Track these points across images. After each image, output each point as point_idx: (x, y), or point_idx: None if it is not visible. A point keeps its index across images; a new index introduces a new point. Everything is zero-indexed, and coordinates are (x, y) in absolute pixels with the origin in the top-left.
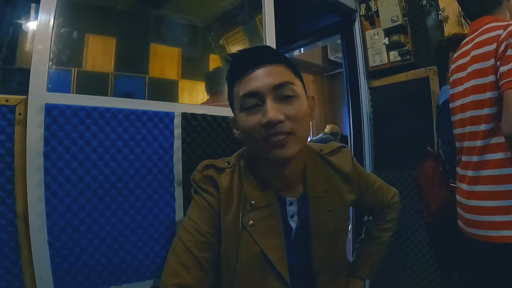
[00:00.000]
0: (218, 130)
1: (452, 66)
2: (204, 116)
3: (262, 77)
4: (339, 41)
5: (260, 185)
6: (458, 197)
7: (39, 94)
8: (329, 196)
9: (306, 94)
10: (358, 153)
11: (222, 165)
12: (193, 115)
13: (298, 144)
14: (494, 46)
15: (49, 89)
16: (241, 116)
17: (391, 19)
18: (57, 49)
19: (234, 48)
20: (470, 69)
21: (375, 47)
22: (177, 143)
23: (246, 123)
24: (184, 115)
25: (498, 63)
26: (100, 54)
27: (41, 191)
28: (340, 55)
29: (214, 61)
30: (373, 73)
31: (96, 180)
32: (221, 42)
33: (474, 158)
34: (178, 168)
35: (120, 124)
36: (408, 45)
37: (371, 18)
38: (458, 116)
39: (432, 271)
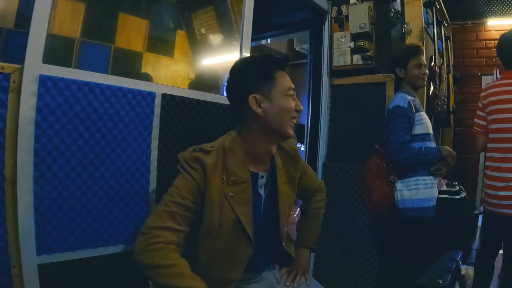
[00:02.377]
0: (192, 112)
1: (497, 96)
2: (181, 98)
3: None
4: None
5: (239, 165)
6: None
7: (35, 65)
8: (283, 170)
9: None
10: (313, 144)
11: (208, 148)
12: (172, 97)
13: None
14: None
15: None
16: (284, 98)
17: (359, 26)
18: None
19: (203, 27)
20: None
21: (341, 49)
22: (156, 121)
23: (287, 104)
24: (164, 96)
25: None
26: (68, 18)
27: (30, 157)
28: (305, 46)
29: (181, 37)
30: (336, 72)
31: (82, 149)
32: (192, 18)
33: None
34: (155, 144)
35: (108, 99)
36: (371, 51)
37: (341, 22)
38: (501, 135)
39: (371, 256)
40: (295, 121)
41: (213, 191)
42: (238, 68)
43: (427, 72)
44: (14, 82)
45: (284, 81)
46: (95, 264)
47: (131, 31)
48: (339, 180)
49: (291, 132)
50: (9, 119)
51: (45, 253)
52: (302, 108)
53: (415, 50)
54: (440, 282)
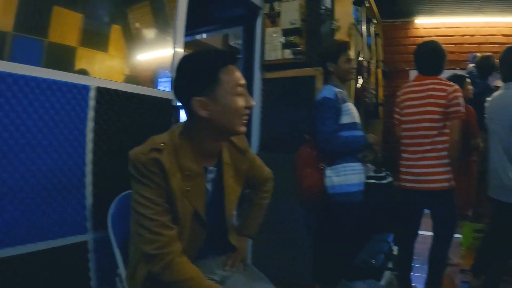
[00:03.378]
0: (127, 105)
1: (407, 95)
2: (116, 91)
3: (239, 74)
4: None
5: (191, 159)
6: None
7: None
8: (231, 165)
9: None
10: (246, 136)
11: (160, 146)
12: (107, 90)
13: None
14: (445, 93)
15: None
16: (230, 98)
17: (290, 22)
18: None
19: (138, 22)
20: (425, 100)
21: (273, 44)
22: (91, 114)
23: (234, 104)
24: (99, 89)
25: (447, 104)
26: (0, 11)
27: None
28: (240, 41)
29: (116, 32)
30: (268, 67)
31: (18, 143)
32: (127, 12)
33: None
34: (90, 137)
35: (43, 92)
36: (301, 46)
37: (273, 18)
38: (414, 125)
39: (306, 242)
40: (246, 117)
41: (173, 188)
42: (181, 68)
43: (355, 66)
44: None
45: (230, 78)
46: (36, 259)
47: (65, 25)
48: (272, 170)
49: (243, 129)
50: None
51: None
52: (253, 103)
53: (344, 46)
54: (374, 262)
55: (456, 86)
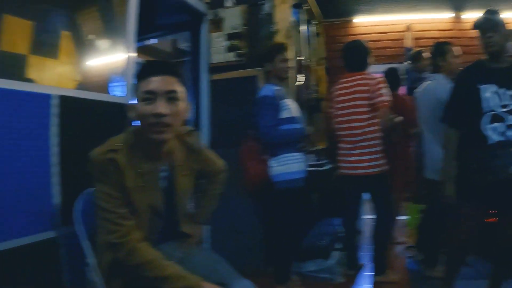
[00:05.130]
0: (86, 109)
1: (338, 91)
2: (75, 98)
3: (159, 82)
4: None
5: (144, 158)
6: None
7: None
8: (184, 165)
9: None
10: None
11: (116, 148)
12: (68, 97)
13: (171, 133)
14: (368, 87)
15: None
16: (141, 104)
17: (233, 27)
18: None
19: (87, 28)
20: (353, 95)
21: (217, 47)
22: (54, 121)
23: (142, 110)
24: (60, 97)
25: (371, 96)
26: None
27: None
28: (188, 44)
29: (66, 39)
30: (214, 69)
31: None
32: (76, 18)
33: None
34: (54, 141)
35: (7, 101)
36: (243, 49)
37: (217, 23)
38: (345, 118)
39: (256, 228)
40: (157, 125)
41: (128, 184)
42: None
43: (291, 65)
44: None
45: (144, 85)
46: (9, 255)
47: (15, 33)
48: None
49: (154, 136)
50: None
51: None
52: (160, 111)
53: (280, 47)
54: (320, 243)
55: (379, 79)
